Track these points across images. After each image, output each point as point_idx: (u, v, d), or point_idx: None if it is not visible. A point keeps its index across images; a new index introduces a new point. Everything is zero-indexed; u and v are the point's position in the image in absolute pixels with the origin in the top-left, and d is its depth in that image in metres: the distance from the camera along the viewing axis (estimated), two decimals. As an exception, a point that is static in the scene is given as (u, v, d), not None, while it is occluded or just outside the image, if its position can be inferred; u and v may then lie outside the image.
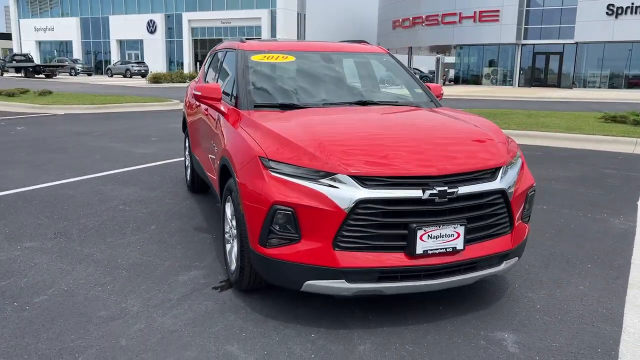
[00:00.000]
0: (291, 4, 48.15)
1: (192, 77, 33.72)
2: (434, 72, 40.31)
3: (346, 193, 2.90)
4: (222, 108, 4.14)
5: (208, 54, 6.04)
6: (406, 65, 4.75)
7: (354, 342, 3.00)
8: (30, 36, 63.71)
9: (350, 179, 2.93)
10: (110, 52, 57.78)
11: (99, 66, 56.88)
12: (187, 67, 51.83)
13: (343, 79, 4.47)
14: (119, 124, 13.22)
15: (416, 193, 2.93)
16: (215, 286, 3.69)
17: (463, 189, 3.02)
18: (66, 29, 60.06)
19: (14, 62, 47.95)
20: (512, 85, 40.19)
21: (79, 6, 59.66)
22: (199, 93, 4.17)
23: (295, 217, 2.96)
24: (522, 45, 39.66)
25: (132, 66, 46.86)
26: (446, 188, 2.96)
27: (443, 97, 4.68)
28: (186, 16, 52.54)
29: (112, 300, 3.47)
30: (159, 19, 53.85)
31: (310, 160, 3.03)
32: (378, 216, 2.93)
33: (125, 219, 5.20)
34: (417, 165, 3.01)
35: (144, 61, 50.51)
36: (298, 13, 48.74)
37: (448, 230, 3.00)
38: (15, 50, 61.65)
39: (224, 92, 4.40)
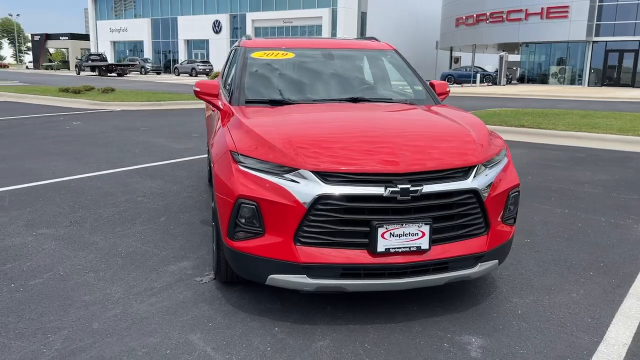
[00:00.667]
0: (352, 2, 48.05)
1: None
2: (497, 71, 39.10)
3: (307, 188, 2.90)
4: (219, 104, 4.24)
5: (229, 52, 6.17)
6: (410, 63, 4.67)
7: (314, 337, 3.00)
8: (105, 37, 67.12)
9: (312, 174, 2.93)
10: (178, 52, 59.90)
11: (168, 65, 59.03)
12: (250, 66, 52.76)
13: (340, 76, 4.45)
14: (168, 120, 13.71)
15: (378, 190, 2.89)
16: (200, 277, 3.78)
17: (428, 188, 2.95)
18: (138, 29, 62.83)
19: (89, 61, 50.71)
20: (581, 84, 38.34)
21: (150, 8, 62.24)
22: (198, 89, 4.28)
23: (259, 211, 2.99)
24: (594, 42, 37.73)
25: (198, 65, 48.36)
26: (409, 186, 2.90)
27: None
28: (250, 16, 53.61)
29: (99, 286, 3.63)
30: (224, 19, 55.26)
31: (276, 155, 3.05)
32: (339, 212, 2.92)
33: (140, 210, 5.41)
34: (381, 163, 2.97)
35: (209, 60, 51.99)
36: (359, 11, 48.57)
37: (412, 229, 2.94)
38: (92, 50, 65.13)
39: (227, 88, 4.49)
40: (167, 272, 3.88)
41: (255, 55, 4.48)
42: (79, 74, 51.38)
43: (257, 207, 2.99)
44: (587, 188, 6.59)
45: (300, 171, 2.95)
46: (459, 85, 38.89)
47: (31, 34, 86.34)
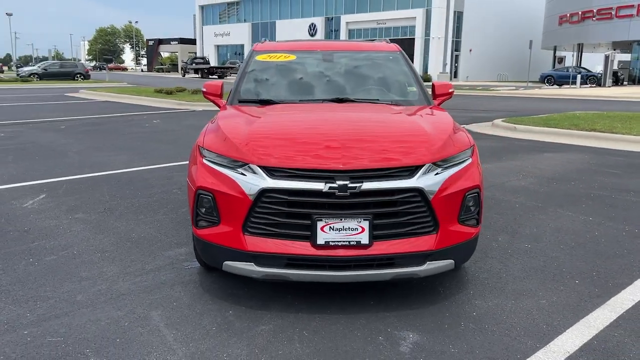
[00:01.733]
0: (448, 2, 47.08)
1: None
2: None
3: (253, 181, 3.11)
4: (220, 103, 4.55)
5: None
6: (412, 64, 4.70)
7: (260, 322, 3.19)
8: (210, 41, 71.00)
9: (260, 169, 3.13)
10: (275, 54, 61.86)
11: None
12: (343, 68, 53.38)
13: (334, 77, 4.59)
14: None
15: (318, 186, 3.03)
16: (189, 263, 4.10)
17: (368, 185, 3.04)
18: (239, 33, 65.80)
19: (193, 64, 53.97)
20: (700, 86, 34.80)
21: (252, 13, 64.93)
22: (205, 90, 4.63)
23: (215, 202, 3.24)
24: None
25: (292, 67, 49.66)
26: (347, 182, 3.01)
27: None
28: (344, 18, 54.26)
29: (100, 265, 4.07)
30: (319, 22, 56.37)
31: (232, 151, 3.29)
32: (282, 205, 3.10)
33: (169, 200, 5.88)
34: (325, 160, 3.10)
35: (304, 62, 53.17)
36: (455, 11, 47.44)
37: (351, 224, 3.05)
38: (198, 54, 69.17)
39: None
40: (163, 256, 4.24)
41: (259, 57, 4.74)
42: (184, 76, 54.84)
43: (213, 198, 3.24)
44: (630, 197, 6.17)
45: (250, 165, 3.16)
46: (558, 86, 36.78)
47: (146, 39, 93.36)
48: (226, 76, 49.99)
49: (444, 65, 33.73)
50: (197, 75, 52.20)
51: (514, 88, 32.54)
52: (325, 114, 3.89)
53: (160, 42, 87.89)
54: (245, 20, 66.03)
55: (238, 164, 3.23)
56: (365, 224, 3.05)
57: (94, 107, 18.81)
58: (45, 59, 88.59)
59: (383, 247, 3.12)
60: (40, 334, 3.04)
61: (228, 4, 68.50)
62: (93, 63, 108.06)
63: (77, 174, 7.26)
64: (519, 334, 3.06)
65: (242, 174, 3.17)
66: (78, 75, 40.79)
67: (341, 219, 3.05)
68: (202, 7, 72.76)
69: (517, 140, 10.80)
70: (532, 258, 4.22)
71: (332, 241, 3.06)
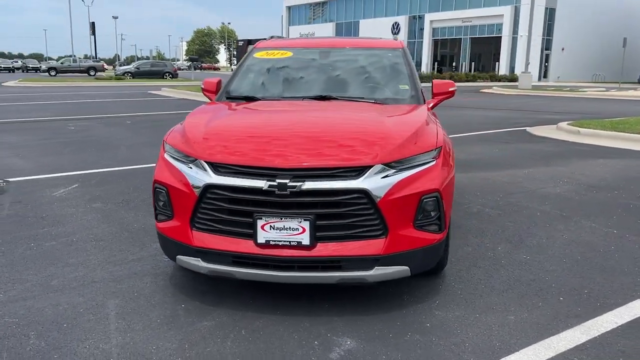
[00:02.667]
0: (538, -2, 44.82)
1: (429, 78, 33.92)
2: None
3: (200, 177, 3.12)
4: (212, 99, 4.60)
5: None
6: (411, 62, 4.51)
7: (205, 318, 3.19)
8: (295, 41, 72.14)
9: (207, 164, 3.13)
10: (358, 54, 61.83)
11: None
12: (425, 67, 52.48)
13: (324, 74, 4.48)
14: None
15: (259, 183, 2.98)
16: (171, 255, 4.18)
17: (310, 185, 2.95)
18: (323, 33, 66.36)
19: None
20: None
21: (336, 13, 65.34)
22: (203, 87, 4.71)
23: (169, 196, 3.29)
24: None
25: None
26: (287, 181, 2.94)
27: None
28: (428, 17, 53.19)
29: (89, 252, 4.25)
30: (402, 21, 55.60)
31: (187, 145, 3.31)
32: (225, 202, 3.08)
33: (186, 195, 6.03)
34: (270, 157, 3.04)
35: (385, 62, 52.73)
36: (546, 8, 45.02)
37: (292, 223, 2.97)
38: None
39: None
40: (151, 248, 4.36)
41: (257, 55, 4.76)
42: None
43: (167, 192, 3.29)
44: (676, 208, 5.55)
45: (199, 161, 3.17)
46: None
47: (236, 40, 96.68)
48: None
49: (527, 64, 32.02)
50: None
51: (604, 89, 30.32)
52: (293, 113, 3.82)
53: (250, 42, 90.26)
54: (329, 20, 66.53)
55: (190, 159, 3.24)
56: (306, 225, 2.96)
57: (168, 104, 19.74)
58: (147, 58, 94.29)
59: (328, 250, 3.01)
60: (1, 314, 3.23)
61: (314, 4, 69.34)
62: (188, 63, 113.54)
63: (116, 167, 7.65)
64: (464, 351, 2.84)
65: (191, 168, 3.19)
66: (167, 74, 42.98)
67: (282, 218, 2.98)
68: (289, 8, 74.17)
69: (576, 145, 10.06)
70: (524, 270, 3.91)
71: (273, 240, 3.00)
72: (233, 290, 3.54)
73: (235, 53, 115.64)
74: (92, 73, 46.92)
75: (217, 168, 3.11)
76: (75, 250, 4.30)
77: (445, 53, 56.62)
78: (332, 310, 3.27)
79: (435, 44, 54.95)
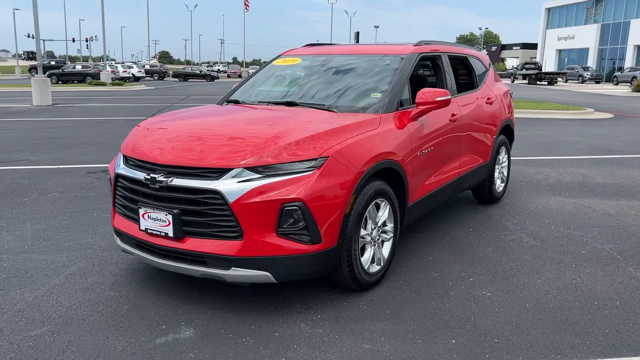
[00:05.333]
0: None
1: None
2: None
3: (117, 167, 3.58)
4: None
5: None
6: (407, 69, 4.19)
7: (140, 308, 3.37)
8: (552, 45, 66.77)
9: (122, 156, 3.58)
10: (624, 59, 54.22)
11: (612, 73, 54.27)
12: None
13: (309, 81, 4.53)
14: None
15: (140, 175, 3.31)
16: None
17: (177, 181, 3.14)
18: (585, 36, 59.92)
19: (523, 69, 51.92)
20: None
21: (602, 13, 58.26)
22: None
23: (110, 184, 3.81)
24: None
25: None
26: (157, 176, 3.19)
27: None
28: None
29: (67, 237, 4.69)
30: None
31: (125, 142, 3.78)
32: (124, 190, 3.49)
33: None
34: (154, 153, 3.33)
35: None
36: None
37: (161, 215, 3.21)
38: (538, 59, 65.96)
39: None
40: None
41: (276, 62, 5.00)
42: (512, 82, 53.28)
43: (109, 180, 3.82)
44: None
45: (120, 154, 3.64)
46: None
47: (488, 45, 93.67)
48: (555, 82, 46.50)
49: None
50: (524, 81, 50.06)
51: None
52: (221, 116, 4.08)
53: (503, 47, 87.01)
54: (594, 21, 59.63)
55: (121, 153, 3.72)
56: (170, 218, 3.16)
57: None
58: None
59: (194, 244, 3.17)
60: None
61: (578, 4, 62.98)
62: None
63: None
64: (271, 368, 2.70)
65: (119, 160, 3.66)
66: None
67: (154, 209, 3.24)
68: (548, 10, 68.85)
69: None
70: (465, 309, 3.35)
71: (149, 229, 3.29)
72: (188, 286, 3.86)
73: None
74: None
75: (127, 160, 3.52)
76: (56, 228, 5.11)
77: None
78: (272, 306, 3.33)
79: None
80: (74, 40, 74.70)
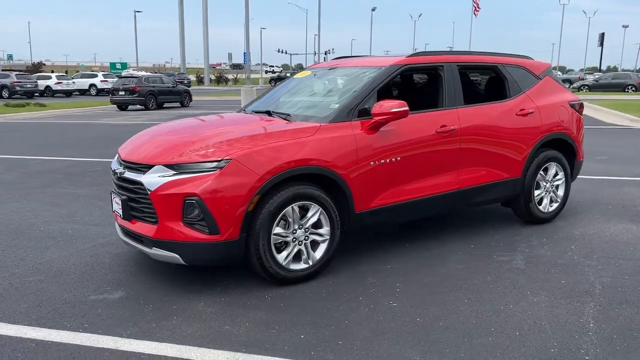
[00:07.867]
0: None
1: None
2: None
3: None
4: None
5: None
6: (379, 80, 4.26)
7: (104, 294, 4.46)
8: None
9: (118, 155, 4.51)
10: None
11: None
12: None
13: (297, 92, 4.91)
14: None
15: (114, 168, 4.16)
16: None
17: (127, 174, 3.94)
18: None
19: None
20: None
21: None
22: None
23: None
24: None
25: None
26: (120, 168, 4.03)
27: None
28: None
29: (58, 220, 5.70)
30: None
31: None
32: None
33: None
34: (126, 152, 4.15)
35: None
36: None
37: (118, 200, 4.02)
38: None
39: None
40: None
41: (298, 75, 5.44)
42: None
43: None
44: None
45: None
46: None
47: None
48: None
49: None
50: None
51: None
52: (195, 122, 4.69)
53: None
54: None
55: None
56: (120, 202, 3.95)
57: None
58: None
59: (136, 225, 3.91)
60: None
61: None
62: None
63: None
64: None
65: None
66: (629, 87, 38.83)
67: (117, 196, 4.06)
68: None
69: None
70: (374, 315, 3.44)
71: (115, 211, 4.12)
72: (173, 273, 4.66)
73: None
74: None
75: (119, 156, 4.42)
76: (43, 219, 6.16)
77: None
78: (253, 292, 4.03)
79: None
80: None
